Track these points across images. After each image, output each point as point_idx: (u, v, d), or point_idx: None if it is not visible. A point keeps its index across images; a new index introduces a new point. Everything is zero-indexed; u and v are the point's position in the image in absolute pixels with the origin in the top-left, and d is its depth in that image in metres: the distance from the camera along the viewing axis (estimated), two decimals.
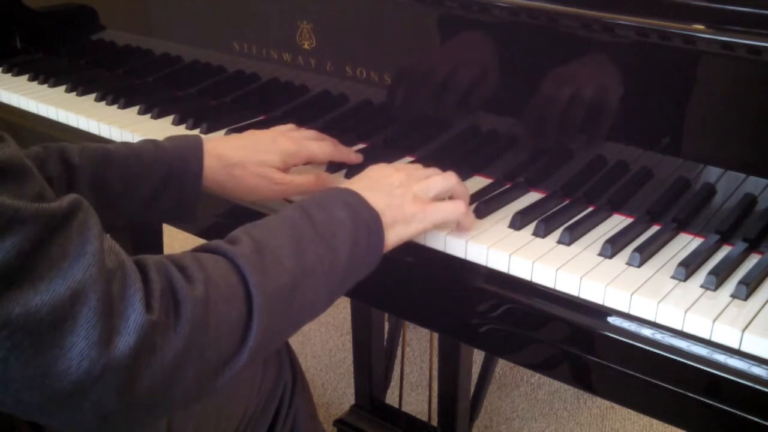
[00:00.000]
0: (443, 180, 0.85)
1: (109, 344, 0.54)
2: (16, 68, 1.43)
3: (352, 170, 1.00)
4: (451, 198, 0.86)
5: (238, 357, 0.64)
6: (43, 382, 0.54)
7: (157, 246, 1.60)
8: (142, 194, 0.88)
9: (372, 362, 1.41)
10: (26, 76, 1.41)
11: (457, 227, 0.86)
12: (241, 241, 0.68)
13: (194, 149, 0.91)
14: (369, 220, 0.77)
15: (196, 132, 1.15)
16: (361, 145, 1.09)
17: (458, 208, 0.83)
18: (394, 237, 0.80)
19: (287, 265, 0.68)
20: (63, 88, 1.34)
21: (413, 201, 0.81)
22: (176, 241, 2.40)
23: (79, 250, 0.55)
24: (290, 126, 1.02)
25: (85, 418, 0.56)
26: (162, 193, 0.89)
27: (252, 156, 0.91)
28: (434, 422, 1.41)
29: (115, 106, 1.26)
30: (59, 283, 0.53)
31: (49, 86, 1.36)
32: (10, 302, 0.51)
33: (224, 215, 1.03)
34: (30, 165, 0.56)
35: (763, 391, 0.69)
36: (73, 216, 0.56)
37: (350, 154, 1.01)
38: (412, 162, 1.05)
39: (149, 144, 0.91)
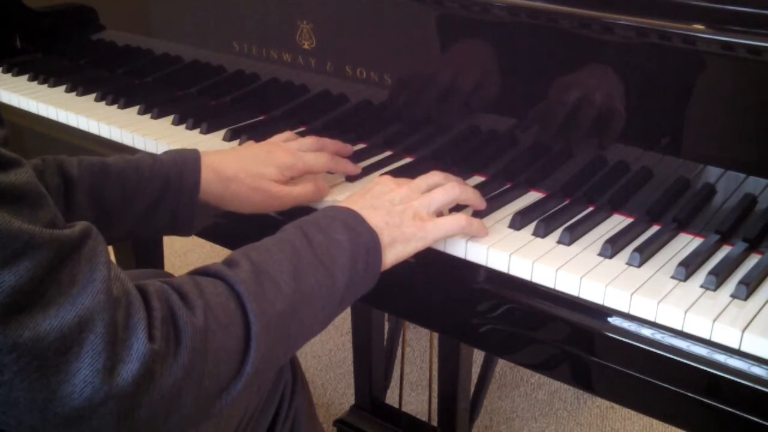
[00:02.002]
0: (445, 193, 0.84)
1: (112, 372, 0.55)
2: (16, 68, 1.43)
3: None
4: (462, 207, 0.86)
5: (235, 384, 0.64)
6: (46, 406, 0.54)
7: (156, 246, 1.60)
8: (140, 207, 0.88)
9: (372, 362, 1.41)
10: (26, 76, 1.41)
11: (471, 238, 0.85)
12: (240, 265, 0.68)
13: (192, 162, 0.91)
14: (368, 242, 0.76)
15: (195, 132, 1.16)
16: (361, 145, 1.09)
17: (458, 223, 0.83)
18: (392, 257, 0.79)
19: (285, 291, 0.69)
20: (63, 88, 1.34)
21: (413, 218, 0.81)
22: (176, 240, 2.40)
23: (88, 277, 0.55)
24: (287, 135, 1.00)
25: None
26: (159, 206, 0.89)
27: (248, 169, 0.91)
28: (434, 422, 1.41)
29: (115, 106, 1.26)
30: (68, 310, 0.54)
31: (49, 86, 1.36)
32: (20, 326, 0.52)
33: (224, 215, 1.03)
34: (44, 191, 0.57)
35: (763, 391, 0.69)
36: (83, 243, 0.57)
37: (348, 165, 0.99)
38: (412, 162, 1.05)
39: (147, 157, 0.91)
